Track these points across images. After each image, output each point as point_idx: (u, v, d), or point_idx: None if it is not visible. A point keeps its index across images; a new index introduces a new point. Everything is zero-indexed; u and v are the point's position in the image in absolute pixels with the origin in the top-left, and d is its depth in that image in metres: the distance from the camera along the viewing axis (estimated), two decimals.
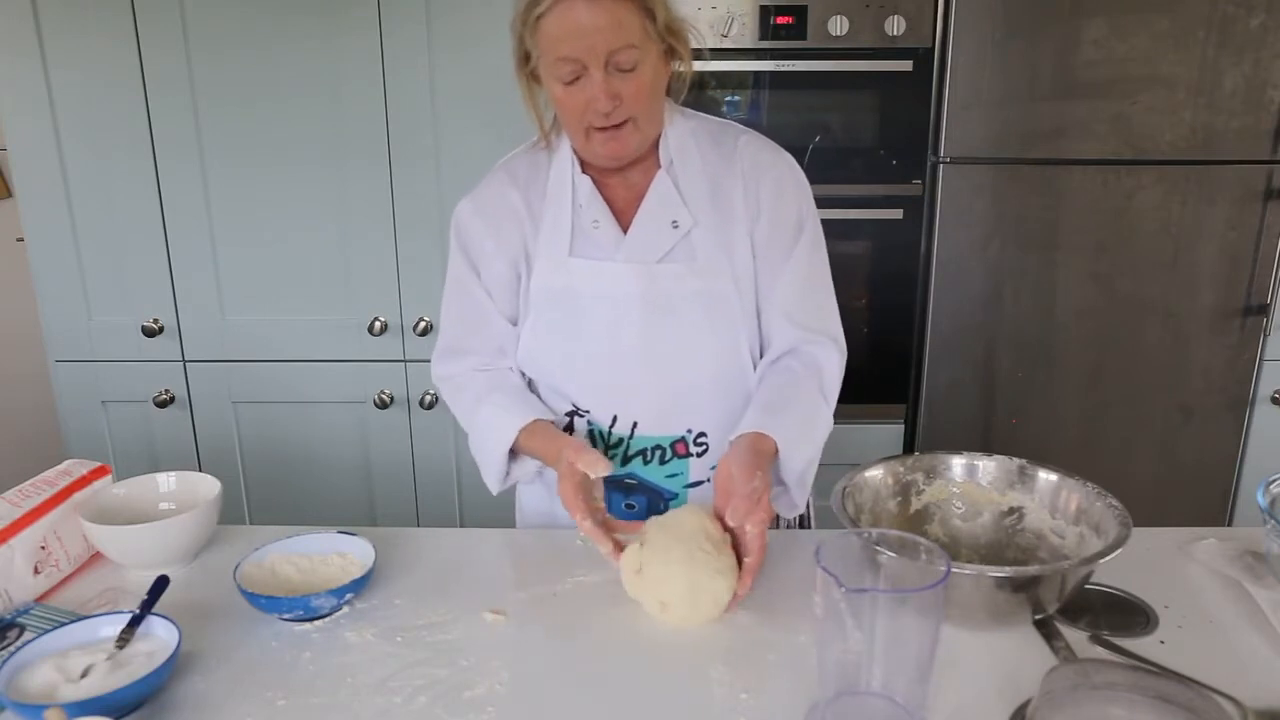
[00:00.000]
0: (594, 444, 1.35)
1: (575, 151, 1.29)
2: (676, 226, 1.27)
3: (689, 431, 1.32)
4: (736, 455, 1.15)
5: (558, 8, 1.13)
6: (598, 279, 1.28)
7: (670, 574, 1.06)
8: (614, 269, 1.27)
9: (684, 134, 1.30)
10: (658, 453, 1.33)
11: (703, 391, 1.31)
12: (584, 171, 1.29)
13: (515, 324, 1.36)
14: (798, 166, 1.32)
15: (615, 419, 1.33)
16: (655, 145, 1.29)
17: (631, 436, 1.33)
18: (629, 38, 1.14)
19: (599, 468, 1.17)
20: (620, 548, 1.14)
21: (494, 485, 1.36)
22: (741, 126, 1.33)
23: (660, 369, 1.29)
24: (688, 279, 1.27)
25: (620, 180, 1.30)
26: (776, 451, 1.20)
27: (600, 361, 1.30)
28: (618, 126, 1.20)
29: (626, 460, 1.34)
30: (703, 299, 1.28)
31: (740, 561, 1.10)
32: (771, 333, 1.31)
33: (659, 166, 1.29)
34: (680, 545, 1.08)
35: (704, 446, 1.33)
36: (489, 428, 1.32)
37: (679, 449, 1.33)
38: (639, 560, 1.09)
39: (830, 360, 1.30)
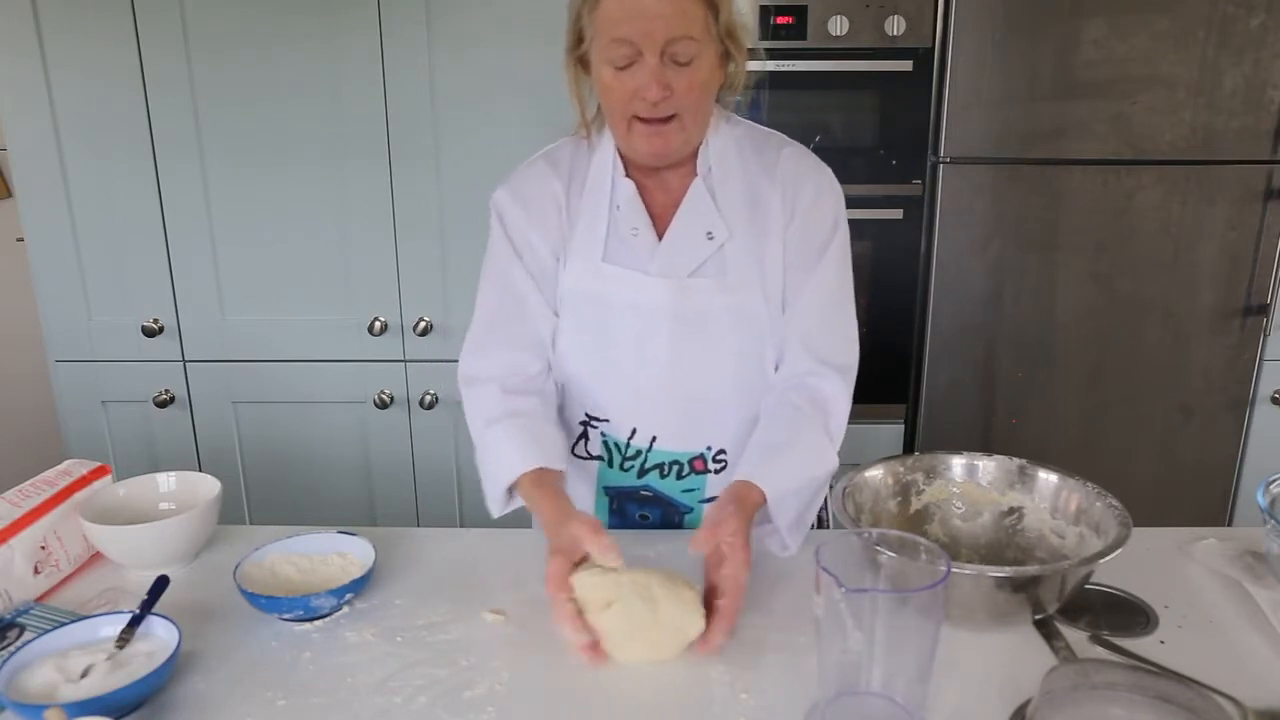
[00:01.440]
0: (610, 455, 1.34)
1: (618, 151, 1.26)
2: (711, 238, 1.24)
3: (708, 448, 1.31)
4: (717, 504, 1.11)
5: None
6: (629, 288, 1.25)
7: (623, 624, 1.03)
8: (646, 281, 1.24)
9: (727, 141, 1.26)
10: (675, 468, 1.32)
11: (725, 408, 1.29)
12: (627, 175, 1.27)
13: (556, 315, 1.31)
14: (837, 182, 1.29)
15: (634, 431, 1.31)
16: (696, 151, 1.26)
17: (650, 449, 1.31)
18: (689, 29, 1.12)
19: (612, 558, 1.05)
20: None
21: (494, 510, 1.28)
22: (786, 137, 1.31)
23: (684, 383, 1.27)
24: (718, 294, 1.25)
25: (658, 184, 1.27)
26: (765, 499, 1.14)
27: (624, 370, 1.28)
28: (663, 121, 1.17)
29: (643, 473, 1.33)
30: (731, 314, 1.25)
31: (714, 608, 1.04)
32: (785, 352, 1.27)
33: (697, 174, 1.26)
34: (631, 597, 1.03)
35: (723, 463, 1.31)
36: (494, 456, 1.24)
37: (697, 465, 1.32)
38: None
39: (838, 397, 1.25)
